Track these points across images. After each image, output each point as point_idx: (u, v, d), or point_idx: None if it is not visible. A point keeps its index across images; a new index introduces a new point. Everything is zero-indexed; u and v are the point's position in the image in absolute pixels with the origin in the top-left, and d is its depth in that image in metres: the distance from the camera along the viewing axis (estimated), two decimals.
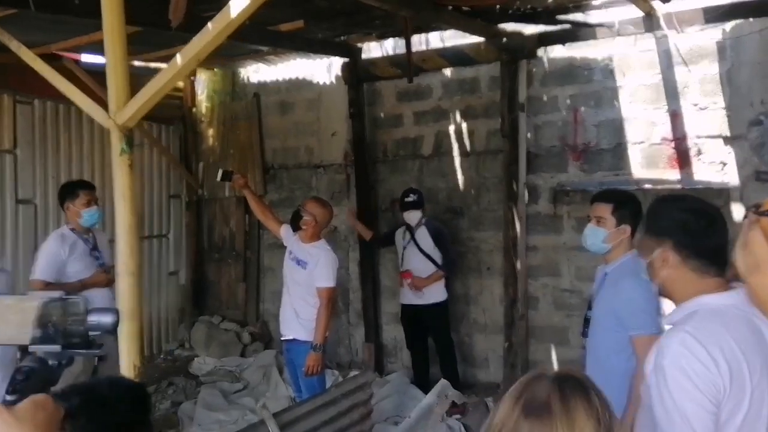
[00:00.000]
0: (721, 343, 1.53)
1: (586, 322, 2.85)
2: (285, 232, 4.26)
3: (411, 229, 5.17)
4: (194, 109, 7.04)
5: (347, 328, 6.25)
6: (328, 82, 6.24)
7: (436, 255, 5.11)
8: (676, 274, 1.69)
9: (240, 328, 6.72)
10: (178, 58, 2.29)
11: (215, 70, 6.93)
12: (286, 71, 6.53)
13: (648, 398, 1.64)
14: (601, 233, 2.73)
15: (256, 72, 6.77)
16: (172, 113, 6.96)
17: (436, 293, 5.13)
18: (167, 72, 2.34)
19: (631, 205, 2.75)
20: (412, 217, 5.10)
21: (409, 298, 5.14)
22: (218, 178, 4.36)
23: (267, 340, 6.54)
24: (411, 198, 5.13)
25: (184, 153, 7.08)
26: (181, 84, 7.00)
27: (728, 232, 1.71)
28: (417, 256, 5.11)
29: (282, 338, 4.25)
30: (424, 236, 5.14)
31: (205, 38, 2.21)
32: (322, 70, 6.29)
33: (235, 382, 5.84)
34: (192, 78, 6.97)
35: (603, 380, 2.52)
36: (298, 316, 4.03)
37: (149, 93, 2.38)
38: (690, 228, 1.67)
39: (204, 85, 6.97)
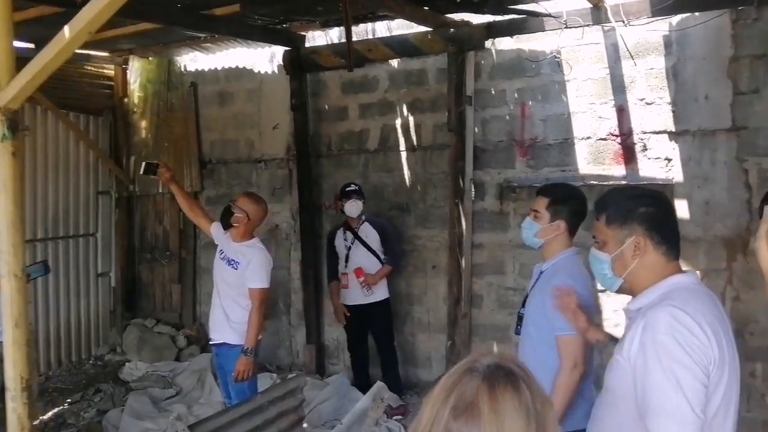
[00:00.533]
0: (705, 316, 1.59)
1: (520, 319, 2.74)
2: (215, 230, 3.99)
3: (351, 228, 4.95)
4: (126, 99, 6.65)
5: (288, 330, 5.99)
6: (269, 72, 5.97)
7: (380, 251, 4.96)
8: (648, 261, 1.72)
9: (175, 332, 6.38)
10: (66, 31, 1.99)
11: (150, 58, 6.54)
12: (225, 60, 6.21)
13: (616, 383, 1.68)
14: (533, 227, 2.64)
15: (193, 61, 6.43)
16: (101, 103, 6.57)
17: (381, 291, 4.98)
18: (54, 46, 2.03)
19: (571, 202, 2.63)
20: (354, 208, 4.86)
21: (355, 298, 4.92)
22: (141, 172, 4.02)
23: (204, 344, 6.20)
24: (352, 187, 4.93)
25: (114, 146, 6.68)
26: (111, 72, 6.60)
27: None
28: (364, 254, 4.92)
29: (211, 342, 3.97)
30: (369, 233, 4.95)
31: (96, 7, 1.93)
32: (264, 59, 6.01)
33: (168, 387, 5.51)
34: (124, 66, 6.57)
35: (539, 377, 2.48)
36: (229, 319, 3.78)
37: (34, 70, 2.06)
38: (658, 213, 1.75)
39: (137, 73, 6.58)
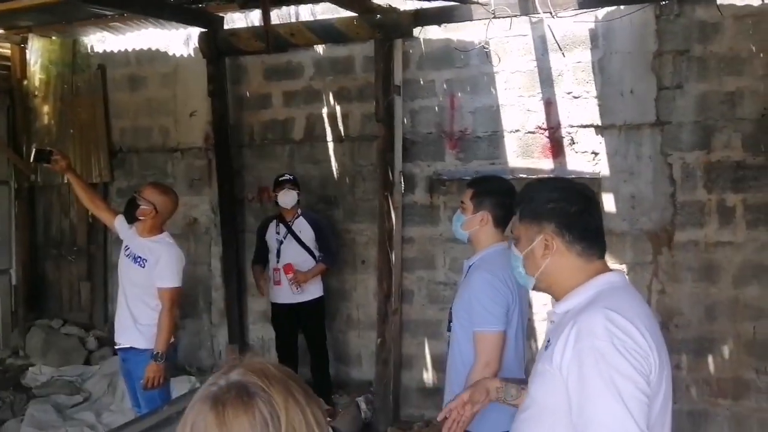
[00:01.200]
0: (641, 318, 1.47)
1: (450, 316, 2.64)
2: (120, 224, 3.66)
3: (285, 222, 4.70)
4: (25, 82, 6.07)
5: (209, 329, 5.68)
6: (185, 55, 5.59)
7: (314, 248, 4.73)
8: (562, 261, 1.59)
9: (84, 333, 5.94)
10: None
11: (52, 37, 6.00)
12: (136, 41, 5.77)
13: (543, 395, 1.53)
14: (460, 219, 2.57)
15: (101, 41, 5.94)
16: None
17: (314, 289, 4.75)
18: None
19: (495, 193, 2.53)
20: (288, 198, 4.60)
21: (285, 296, 4.67)
22: (31, 160, 3.63)
23: None
24: (286, 176, 4.67)
25: (12, 133, 6.10)
26: (8, 51, 6.02)
27: (602, 213, 1.67)
28: (296, 250, 4.67)
29: (116, 347, 3.65)
30: (304, 228, 4.70)
31: None
32: (179, 41, 5.61)
33: (75, 393, 5.12)
34: (22, 46, 6.00)
35: (460, 373, 2.32)
36: (137, 322, 3.48)
37: None
38: (570, 209, 1.59)
39: (38, 54, 6.01)
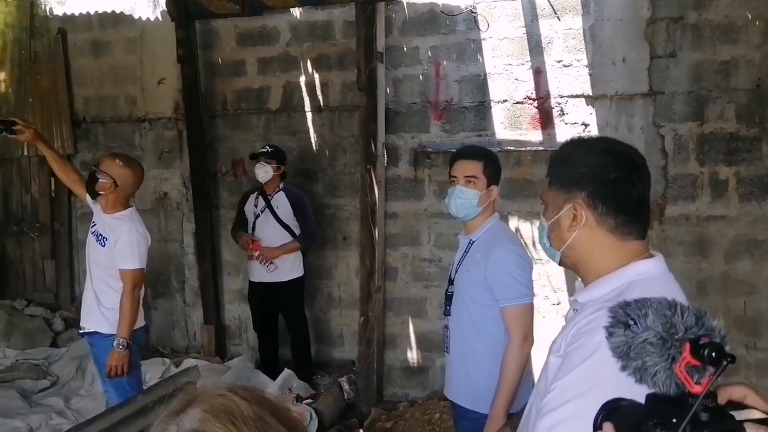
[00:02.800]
0: None
1: (449, 299, 2.49)
2: (90, 199, 3.39)
3: (265, 195, 4.47)
4: None
5: (183, 309, 5.45)
6: (152, 18, 5.21)
7: (294, 226, 4.48)
8: (592, 237, 1.33)
9: (50, 314, 5.66)
10: None
11: None
12: (99, 3, 5.35)
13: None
14: (473, 195, 2.40)
15: (60, 3, 5.51)
16: None
17: (292, 269, 4.50)
18: None
19: (498, 164, 2.52)
20: (261, 173, 4.36)
21: (261, 274, 4.45)
22: None
23: None
24: (265, 149, 4.43)
25: None
26: None
27: (650, 184, 1.37)
28: (272, 226, 4.43)
29: (81, 331, 3.42)
30: (282, 203, 4.46)
31: None
32: (145, 3, 5.23)
33: (41, 378, 4.85)
34: None
35: (481, 356, 2.18)
36: (101, 304, 3.24)
37: None
38: (609, 175, 1.31)
39: None
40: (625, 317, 0.88)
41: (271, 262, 4.39)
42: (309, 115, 4.94)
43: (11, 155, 5.75)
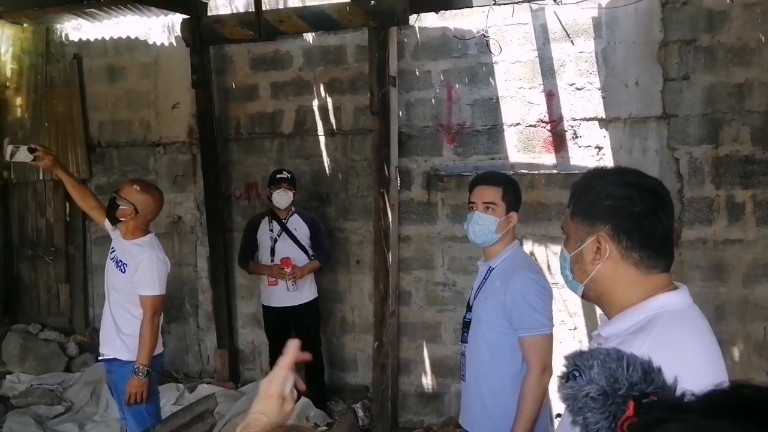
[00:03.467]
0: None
1: (466, 326, 2.47)
2: (108, 224, 3.40)
3: (279, 219, 4.47)
4: None
5: (196, 334, 5.45)
6: (167, 44, 5.30)
7: (308, 246, 4.53)
8: (615, 271, 1.32)
9: (64, 338, 5.67)
10: None
11: (24, 25, 5.66)
12: (114, 29, 5.47)
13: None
14: (492, 221, 2.39)
15: (76, 29, 5.63)
16: None
17: (309, 291, 4.54)
18: None
19: (518, 190, 2.51)
20: (283, 199, 4.38)
21: (280, 298, 4.43)
22: (7, 156, 3.29)
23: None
24: (284, 174, 4.43)
25: None
26: None
27: (674, 217, 1.37)
28: (291, 248, 4.45)
29: (100, 358, 3.41)
30: (299, 225, 4.49)
31: None
32: (160, 29, 5.33)
33: (56, 403, 4.85)
34: None
35: (497, 385, 2.14)
36: (120, 331, 3.24)
37: None
38: (634, 208, 1.30)
39: (8, 42, 5.68)
40: (571, 367, 0.85)
41: (296, 282, 4.39)
42: (322, 139, 4.96)
43: (27, 179, 5.80)
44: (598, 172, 1.45)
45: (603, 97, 4.28)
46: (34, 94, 5.71)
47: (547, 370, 2.30)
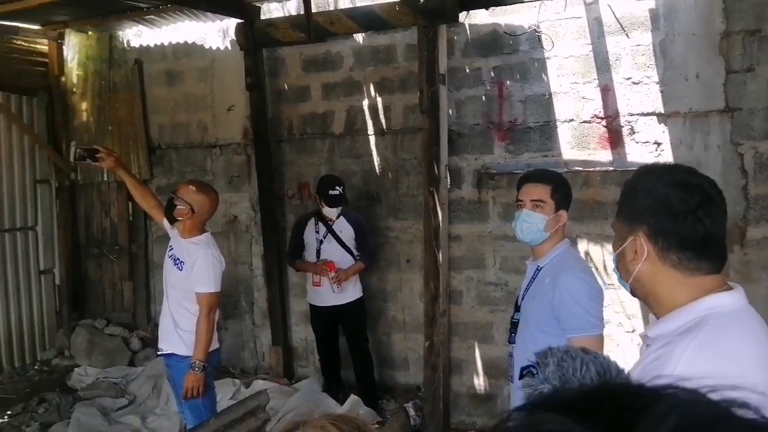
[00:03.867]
0: (745, 361, 1.17)
1: (514, 326, 2.42)
2: (167, 223, 3.52)
3: (325, 221, 4.52)
4: (63, 78, 6.00)
5: (252, 330, 5.58)
6: (222, 48, 5.43)
7: (353, 247, 4.57)
8: (655, 272, 1.29)
9: (128, 333, 5.90)
10: None
11: (89, 33, 5.91)
12: (172, 35, 5.64)
13: None
14: (540, 219, 2.34)
15: (137, 36, 5.83)
16: (35, 82, 5.94)
17: (354, 290, 4.58)
18: None
19: (568, 188, 2.44)
20: (333, 213, 4.46)
21: (325, 298, 4.51)
22: (72, 158, 3.43)
23: None
24: (337, 191, 4.40)
25: (51, 130, 6.05)
26: (45, 48, 5.96)
27: (726, 217, 1.29)
28: (336, 249, 4.50)
29: (159, 353, 3.53)
30: (345, 227, 4.53)
31: None
32: (215, 34, 5.46)
33: (120, 396, 5.07)
34: (59, 41, 5.92)
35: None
36: (177, 327, 3.34)
37: None
38: (672, 208, 1.25)
39: (75, 49, 5.93)
40: (533, 364, 0.81)
41: (340, 284, 4.44)
42: (372, 139, 4.98)
43: (92, 180, 6.06)
44: (646, 170, 1.40)
45: (661, 91, 4.13)
46: (98, 98, 5.95)
47: None
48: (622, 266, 1.37)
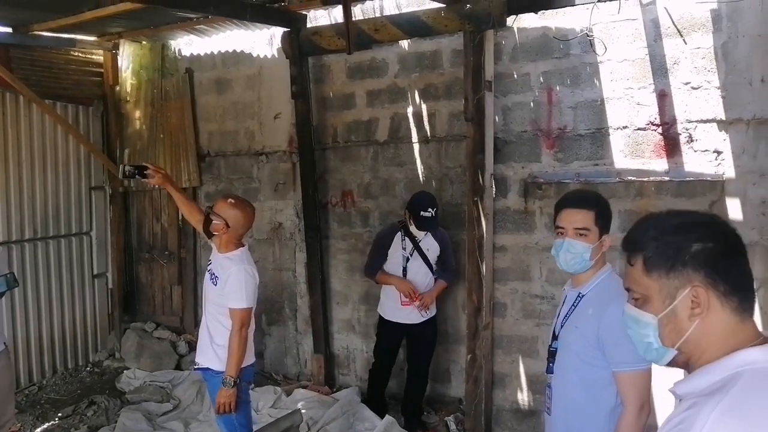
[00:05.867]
0: None
1: (551, 355, 2.30)
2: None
3: (412, 237, 4.33)
4: (117, 88, 6.17)
5: (295, 337, 5.57)
6: (269, 56, 5.46)
7: (435, 263, 4.42)
8: (715, 322, 1.18)
9: (176, 337, 6.00)
10: None
11: (142, 42, 6.07)
12: (221, 44, 5.72)
13: None
14: (585, 249, 2.18)
15: (188, 45, 5.94)
16: (91, 92, 6.12)
17: (432, 307, 4.44)
18: None
19: (609, 211, 2.28)
20: (421, 234, 4.31)
21: (409, 317, 4.33)
22: (121, 176, 3.49)
23: None
24: (429, 213, 4.20)
25: (106, 138, 6.23)
26: (100, 58, 6.14)
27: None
28: (421, 267, 4.36)
29: (195, 367, 3.52)
30: (431, 245, 4.36)
31: None
32: (263, 42, 5.50)
33: (165, 401, 5.13)
34: (114, 51, 6.10)
35: (589, 423, 1.92)
36: (213, 341, 3.32)
37: None
38: (723, 248, 1.18)
39: (128, 59, 6.10)
40: None
41: (428, 308, 4.34)
42: (416, 146, 4.90)
43: (144, 188, 6.21)
44: (657, 219, 1.29)
45: (723, 97, 3.88)
46: (150, 107, 6.10)
47: (644, 408, 2.08)
48: (671, 329, 1.22)
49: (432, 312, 4.42)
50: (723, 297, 1.17)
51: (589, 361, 2.15)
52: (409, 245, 4.32)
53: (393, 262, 4.36)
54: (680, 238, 1.20)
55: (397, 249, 4.34)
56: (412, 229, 4.28)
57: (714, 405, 1.07)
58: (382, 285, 4.45)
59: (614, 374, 2.10)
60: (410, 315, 4.33)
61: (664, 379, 3.70)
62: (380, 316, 4.52)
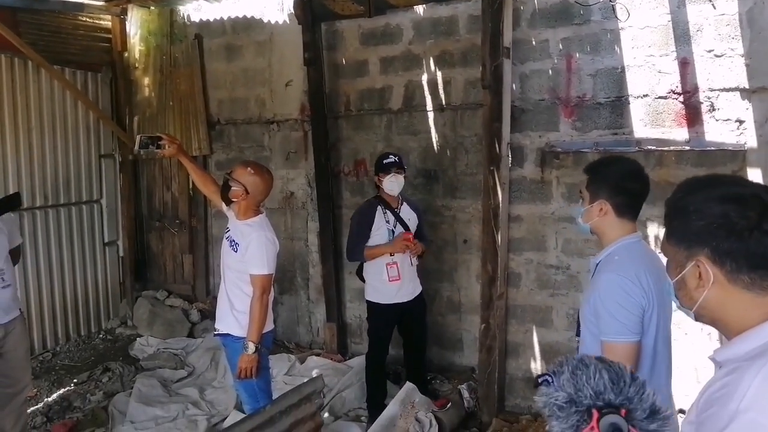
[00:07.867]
0: None
1: (579, 320, 2.29)
2: (226, 207, 3.51)
3: (392, 209, 4.19)
4: (126, 54, 6.08)
5: (307, 306, 5.58)
6: (280, 22, 5.36)
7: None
8: (725, 296, 1.18)
9: (188, 305, 6.03)
10: None
11: (150, 8, 5.95)
12: (231, 9, 5.59)
13: None
14: (578, 212, 2.28)
15: (197, 10, 5.81)
16: (99, 58, 6.03)
17: (418, 284, 4.32)
18: None
19: (611, 177, 2.18)
20: (395, 185, 4.06)
21: (399, 294, 4.17)
22: (136, 147, 3.46)
23: None
24: (391, 158, 4.07)
25: (115, 105, 6.16)
26: (108, 24, 6.04)
27: None
28: None
29: (215, 333, 3.53)
30: (411, 216, 4.25)
31: None
32: (274, 7, 5.38)
33: (179, 367, 5.17)
34: (122, 17, 5.99)
35: None
36: (233, 308, 3.34)
37: None
38: (735, 226, 1.15)
39: (137, 25, 6.00)
40: (546, 373, 0.83)
41: (415, 255, 4.19)
42: (431, 115, 4.83)
43: (154, 156, 6.15)
44: (691, 187, 1.28)
45: (747, 65, 3.80)
46: (159, 74, 6.01)
47: None
48: (684, 294, 1.26)
49: (419, 287, 4.31)
50: (730, 274, 1.17)
51: (591, 329, 2.15)
52: (392, 218, 4.18)
53: (377, 239, 4.15)
54: (694, 212, 1.21)
55: (381, 224, 4.16)
56: (385, 185, 4.06)
57: (758, 369, 1.09)
58: (369, 263, 4.21)
59: (601, 343, 2.08)
60: (400, 292, 4.17)
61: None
62: (369, 302, 4.27)
